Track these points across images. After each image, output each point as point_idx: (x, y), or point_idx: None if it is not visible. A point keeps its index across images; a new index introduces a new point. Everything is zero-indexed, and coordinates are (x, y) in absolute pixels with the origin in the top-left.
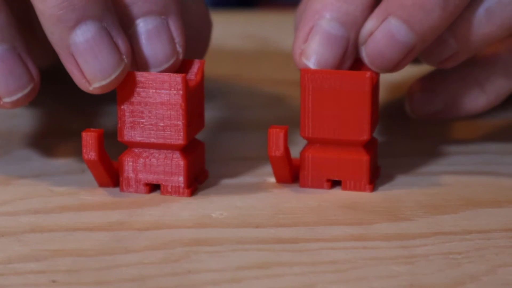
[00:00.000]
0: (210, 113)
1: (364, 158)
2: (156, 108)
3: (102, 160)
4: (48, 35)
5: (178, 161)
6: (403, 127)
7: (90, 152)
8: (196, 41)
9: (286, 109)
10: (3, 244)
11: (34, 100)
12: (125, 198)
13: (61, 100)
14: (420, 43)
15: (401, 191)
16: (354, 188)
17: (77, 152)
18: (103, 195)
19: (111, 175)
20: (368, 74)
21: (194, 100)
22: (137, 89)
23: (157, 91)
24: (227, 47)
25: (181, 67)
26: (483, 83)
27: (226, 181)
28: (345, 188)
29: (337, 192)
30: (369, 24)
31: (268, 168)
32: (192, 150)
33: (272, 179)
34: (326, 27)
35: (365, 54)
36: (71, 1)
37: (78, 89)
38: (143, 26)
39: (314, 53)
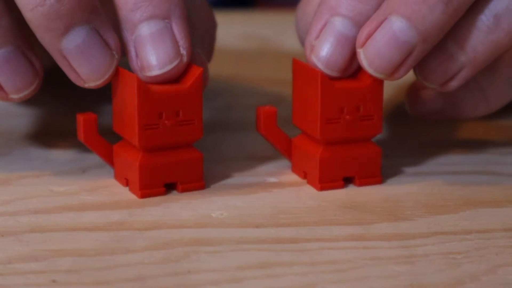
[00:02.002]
0: (210, 113)
1: (319, 156)
2: (126, 106)
3: (91, 143)
4: (39, 40)
5: (135, 161)
6: (403, 127)
7: (79, 133)
8: (205, 38)
9: (286, 109)
10: (3, 244)
11: (34, 100)
12: (125, 198)
13: (61, 100)
14: (421, 44)
15: (401, 191)
16: (312, 184)
17: (77, 152)
18: (103, 195)
19: (108, 159)
20: (319, 71)
21: (179, 106)
22: (119, 84)
23: (124, 89)
24: (227, 47)
25: (184, 73)
26: (485, 89)
27: (226, 181)
28: (309, 183)
29: (337, 192)
30: (368, 26)
31: (268, 168)
32: (169, 155)
33: (272, 179)
34: (338, 26)
35: (364, 56)
36: (58, 10)
37: (78, 89)
38: (147, 30)
39: (323, 51)
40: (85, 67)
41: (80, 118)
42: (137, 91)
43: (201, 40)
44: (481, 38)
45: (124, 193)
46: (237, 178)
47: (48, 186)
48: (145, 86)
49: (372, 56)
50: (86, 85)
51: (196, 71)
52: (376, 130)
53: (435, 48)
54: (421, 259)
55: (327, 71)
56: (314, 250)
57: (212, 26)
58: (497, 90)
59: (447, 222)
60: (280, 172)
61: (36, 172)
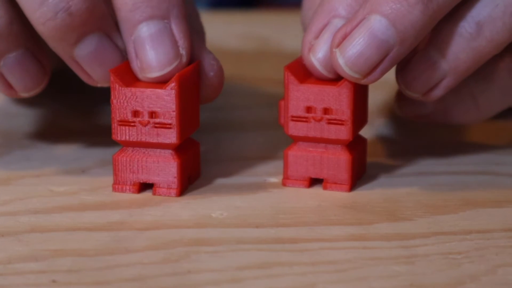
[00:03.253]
0: (210, 113)
1: (285, 151)
2: None
3: None
4: (52, 48)
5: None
6: (403, 127)
7: None
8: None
9: None
10: (3, 244)
11: (35, 101)
12: (125, 198)
13: (61, 100)
14: (399, 45)
15: (401, 191)
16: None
17: (77, 152)
18: (103, 195)
19: None
20: (287, 68)
21: (155, 107)
22: None
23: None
24: (227, 47)
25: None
26: (477, 97)
27: (226, 181)
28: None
29: (337, 192)
30: (345, 26)
31: (268, 168)
32: (146, 154)
33: (272, 179)
34: (339, 27)
35: (339, 54)
36: (70, 23)
37: (78, 90)
38: (146, 31)
39: (322, 51)
40: (98, 71)
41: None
42: (111, 87)
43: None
44: (463, 45)
45: (124, 193)
46: (237, 178)
47: (48, 186)
48: (118, 82)
49: (349, 55)
50: (99, 85)
51: (193, 64)
52: (345, 136)
53: (417, 56)
54: (421, 259)
55: (324, 72)
56: (314, 250)
57: (203, 30)
58: (489, 98)
59: (447, 222)
60: (280, 172)
61: (36, 172)
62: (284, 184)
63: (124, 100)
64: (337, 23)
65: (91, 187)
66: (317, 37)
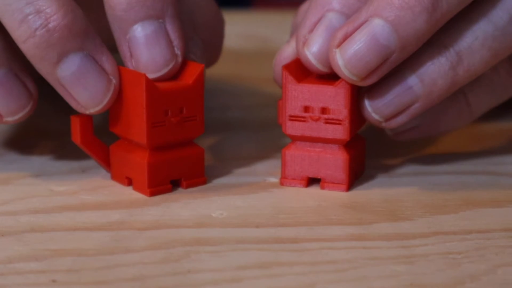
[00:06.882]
0: (211, 113)
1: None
2: (130, 104)
3: (88, 145)
4: (37, 70)
5: (142, 160)
6: None
7: (75, 135)
8: (211, 39)
9: None
10: (3, 244)
11: None
12: (125, 198)
13: (61, 100)
14: (399, 51)
15: (401, 191)
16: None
17: (77, 152)
18: (103, 195)
19: (104, 161)
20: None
21: (183, 102)
22: (121, 84)
23: (128, 87)
24: (227, 47)
25: (182, 70)
26: (468, 95)
27: (226, 181)
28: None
29: (337, 192)
30: (347, 26)
31: (268, 168)
32: (174, 151)
33: (272, 179)
34: (333, 21)
35: (340, 55)
36: (49, 40)
37: None
38: (141, 31)
39: (316, 45)
40: (82, 94)
41: (76, 119)
42: (145, 90)
43: (208, 37)
44: (442, 72)
45: (124, 193)
46: (237, 178)
47: (48, 186)
48: (152, 84)
49: (350, 57)
50: (88, 112)
51: (197, 68)
52: (342, 136)
53: (391, 78)
54: (421, 259)
55: (319, 66)
56: (314, 250)
57: (220, 22)
58: (479, 96)
59: (447, 222)
60: (279, 172)
61: (36, 172)
62: (282, 183)
63: (157, 101)
64: (331, 17)
65: (91, 187)
66: (311, 31)
